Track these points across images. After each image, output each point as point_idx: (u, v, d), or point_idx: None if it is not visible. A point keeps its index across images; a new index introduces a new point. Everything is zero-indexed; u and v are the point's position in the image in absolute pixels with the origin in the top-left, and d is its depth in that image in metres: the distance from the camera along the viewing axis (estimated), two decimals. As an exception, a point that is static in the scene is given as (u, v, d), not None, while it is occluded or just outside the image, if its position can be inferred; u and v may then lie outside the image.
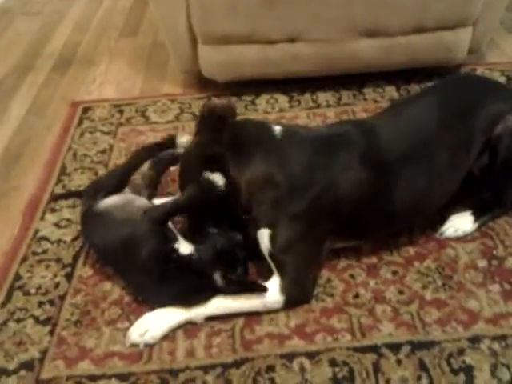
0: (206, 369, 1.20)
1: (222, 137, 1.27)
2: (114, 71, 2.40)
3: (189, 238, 1.34)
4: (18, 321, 1.34)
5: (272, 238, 1.27)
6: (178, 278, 1.28)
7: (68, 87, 2.31)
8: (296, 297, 1.31)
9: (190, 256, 1.28)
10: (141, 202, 1.49)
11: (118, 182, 1.51)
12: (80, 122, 2.05)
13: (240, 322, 1.30)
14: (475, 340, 1.23)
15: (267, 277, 1.32)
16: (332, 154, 1.30)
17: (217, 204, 1.29)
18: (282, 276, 1.29)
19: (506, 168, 1.39)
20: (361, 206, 1.31)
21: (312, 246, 1.32)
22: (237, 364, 1.21)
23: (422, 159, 1.34)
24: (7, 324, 1.33)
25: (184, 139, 1.68)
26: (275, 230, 1.27)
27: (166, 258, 1.27)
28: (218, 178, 1.28)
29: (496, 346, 1.21)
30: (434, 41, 1.97)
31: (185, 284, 1.27)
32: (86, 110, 2.11)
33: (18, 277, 1.45)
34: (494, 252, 1.43)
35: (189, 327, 1.29)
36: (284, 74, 2.04)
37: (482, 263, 1.40)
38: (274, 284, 1.29)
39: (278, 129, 1.32)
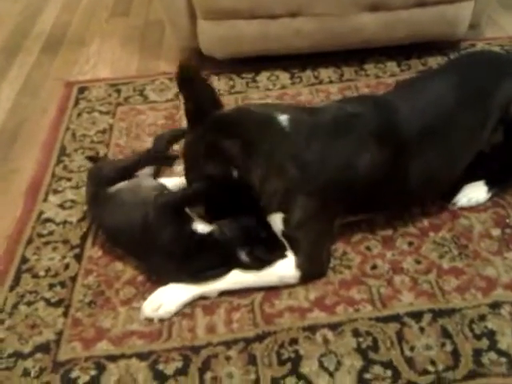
0: (228, 344, 1.18)
1: (227, 129, 1.26)
2: (107, 51, 2.33)
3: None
4: (29, 304, 1.30)
5: (285, 221, 1.25)
6: (200, 258, 1.25)
7: (60, 68, 2.24)
8: (312, 272, 1.30)
9: (211, 234, 1.25)
10: (148, 182, 1.46)
11: (118, 177, 1.44)
12: (76, 103, 1.99)
13: (259, 296, 1.28)
14: (495, 306, 1.23)
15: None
16: (346, 136, 1.27)
17: (229, 194, 1.27)
18: (296, 253, 1.27)
19: None
20: (375, 185, 1.29)
21: (324, 223, 1.31)
22: (259, 338, 1.19)
23: (438, 137, 1.33)
24: (18, 307, 1.29)
25: None
26: (288, 213, 1.25)
27: (187, 239, 1.24)
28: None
29: (516, 311, 1.22)
30: (435, 15, 1.95)
31: (208, 262, 1.25)
32: (81, 90, 2.05)
33: (24, 259, 1.41)
34: (507, 221, 1.43)
35: (207, 303, 1.27)
36: (285, 49, 2.01)
37: (496, 232, 1.41)
38: (289, 261, 1.28)
39: (284, 119, 1.27)
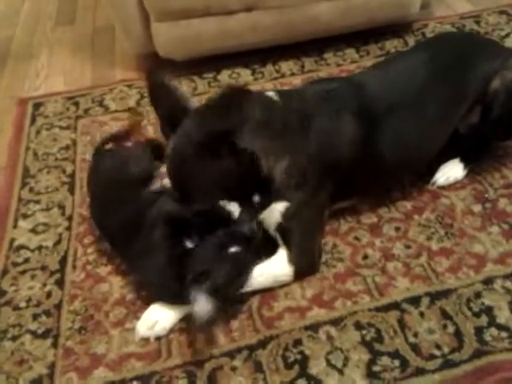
0: (231, 354, 1.15)
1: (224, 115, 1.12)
2: (58, 62, 2.23)
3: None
4: (14, 338, 1.23)
5: (286, 211, 1.22)
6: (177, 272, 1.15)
7: (10, 84, 2.13)
8: (305, 266, 1.28)
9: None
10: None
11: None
12: (33, 120, 1.89)
13: (255, 301, 1.25)
14: (488, 281, 1.25)
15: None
16: (327, 112, 1.26)
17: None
18: (289, 246, 1.25)
19: (499, 123, 1.40)
20: (356, 161, 1.28)
21: (316, 213, 1.29)
22: (262, 344, 1.17)
23: (410, 112, 1.33)
24: (1, 344, 1.22)
25: None
26: (290, 201, 1.22)
27: (173, 249, 1.17)
28: (234, 208, 1.17)
29: (508, 284, 1.24)
30: (388, -2, 1.97)
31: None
32: (36, 106, 1.95)
33: (1, 292, 1.33)
34: (486, 195, 1.46)
35: (203, 315, 1.23)
36: (244, 45, 1.98)
37: (477, 208, 1.43)
38: (281, 256, 1.26)
39: (273, 95, 1.26)
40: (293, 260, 1.25)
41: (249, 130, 1.12)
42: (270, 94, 1.27)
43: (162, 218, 1.18)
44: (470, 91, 1.37)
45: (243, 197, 1.20)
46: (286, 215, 1.23)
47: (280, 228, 1.25)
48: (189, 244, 1.17)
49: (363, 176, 1.33)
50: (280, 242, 1.27)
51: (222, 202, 1.17)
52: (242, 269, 1.17)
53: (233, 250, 1.14)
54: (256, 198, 1.23)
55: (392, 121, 1.31)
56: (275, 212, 1.23)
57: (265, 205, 1.23)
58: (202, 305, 1.06)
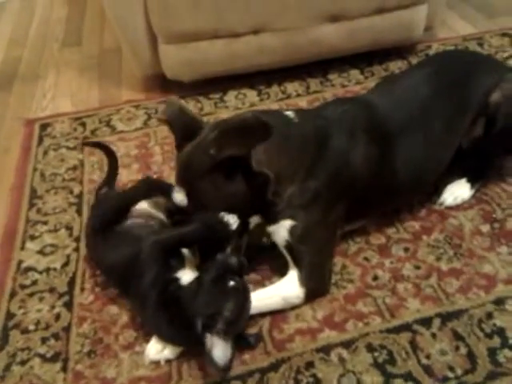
0: (243, 377, 1.14)
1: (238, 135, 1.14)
2: (65, 83, 2.25)
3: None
4: (23, 363, 1.21)
5: (293, 229, 1.23)
6: (172, 310, 1.13)
7: (17, 105, 2.14)
8: (316, 288, 1.28)
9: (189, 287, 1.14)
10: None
11: (116, 216, 1.34)
12: (40, 141, 1.90)
13: (266, 323, 1.24)
14: (499, 302, 1.25)
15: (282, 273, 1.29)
16: (343, 132, 1.27)
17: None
18: (300, 268, 1.25)
19: (503, 135, 1.41)
20: (371, 181, 1.29)
21: (328, 233, 1.29)
22: (274, 367, 1.16)
23: (419, 129, 1.35)
24: (10, 368, 1.20)
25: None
26: (297, 220, 1.22)
27: (164, 285, 1.15)
28: (233, 221, 1.18)
29: (520, 305, 1.24)
30: (393, 21, 1.99)
31: (177, 318, 1.12)
32: (43, 126, 1.97)
33: (10, 315, 1.32)
34: (494, 215, 1.46)
35: (214, 337, 1.22)
36: (251, 67, 2.00)
37: (486, 228, 1.43)
38: (292, 278, 1.25)
39: (291, 114, 1.28)
40: (303, 282, 1.24)
41: (267, 153, 1.15)
42: (289, 113, 1.28)
43: (149, 249, 1.17)
44: (472, 105, 1.40)
45: (242, 216, 1.21)
46: (293, 234, 1.23)
47: (289, 247, 1.25)
48: (183, 277, 1.17)
49: (376, 196, 1.34)
50: (290, 262, 1.27)
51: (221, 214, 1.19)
52: (245, 299, 1.16)
53: (232, 283, 1.12)
54: (254, 219, 1.26)
55: (404, 138, 1.33)
56: (282, 229, 1.24)
57: (269, 222, 1.25)
58: (221, 350, 1.06)
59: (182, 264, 1.21)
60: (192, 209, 1.21)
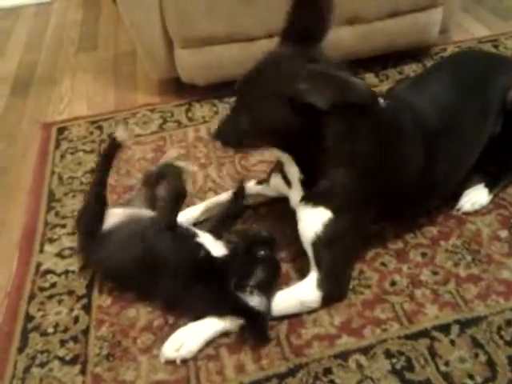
0: (260, 383, 1.14)
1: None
2: (81, 87, 2.27)
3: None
4: (42, 365, 1.22)
5: (328, 224, 1.20)
6: (206, 275, 1.22)
7: (34, 109, 2.16)
8: (334, 293, 1.27)
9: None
10: (147, 213, 1.40)
11: (98, 204, 1.38)
12: (57, 144, 1.92)
13: (283, 328, 1.24)
14: (518, 309, 1.24)
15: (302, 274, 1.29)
16: (396, 134, 1.25)
17: None
18: (320, 270, 1.24)
19: None
20: (412, 183, 1.28)
21: (356, 239, 1.29)
22: (292, 372, 1.16)
23: (452, 130, 1.34)
24: (30, 370, 1.22)
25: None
26: (336, 215, 1.20)
27: (191, 254, 1.23)
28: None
29: (540, 312, 1.23)
30: (408, 23, 1.99)
31: (211, 282, 1.21)
32: (60, 130, 1.98)
33: (29, 317, 1.33)
34: (512, 221, 1.45)
35: (231, 342, 1.23)
36: (266, 70, 2.00)
37: (504, 233, 1.42)
38: (310, 281, 1.25)
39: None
40: (322, 286, 1.24)
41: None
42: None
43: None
44: (493, 104, 1.40)
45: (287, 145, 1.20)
46: (327, 230, 1.20)
47: (316, 245, 1.23)
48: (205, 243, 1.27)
49: (411, 197, 1.33)
50: (312, 262, 1.26)
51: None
52: (275, 267, 1.26)
53: (262, 253, 1.22)
54: (294, 194, 1.26)
55: (440, 139, 1.32)
56: (317, 218, 1.22)
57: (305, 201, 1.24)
58: (256, 301, 1.16)
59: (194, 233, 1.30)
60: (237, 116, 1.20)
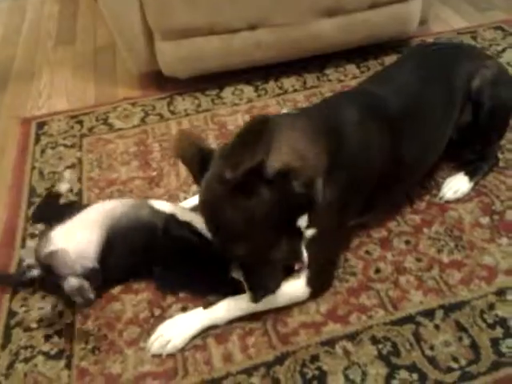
0: (248, 371, 1.15)
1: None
2: (60, 82, 2.23)
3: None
4: (26, 360, 1.21)
5: (316, 235, 1.20)
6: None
7: (12, 104, 2.12)
8: (321, 286, 1.28)
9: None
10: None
11: None
12: (37, 139, 1.88)
13: (270, 317, 1.25)
14: (501, 293, 1.26)
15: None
16: (356, 122, 1.25)
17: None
18: (310, 268, 1.23)
19: (491, 117, 1.44)
20: (384, 171, 1.28)
21: (341, 234, 1.30)
22: (279, 360, 1.16)
23: (421, 119, 1.36)
24: (14, 366, 1.20)
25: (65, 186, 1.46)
26: (320, 227, 1.20)
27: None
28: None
29: (521, 295, 1.25)
30: (389, 14, 2.00)
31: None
32: (40, 125, 1.95)
33: (12, 313, 1.31)
34: (493, 207, 1.47)
35: (218, 332, 1.22)
36: (248, 62, 2.00)
37: (485, 220, 1.44)
38: (300, 278, 1.24)
39: (292, 111, 1.29)
40: (311, 282, 1.24)
41: (277, 153, 1.06)
42: (287, 111, 1.29)
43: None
44: (458, 90, 1.42)
45: (287, 227, 1.13)
46: (314, 239, 1.20)
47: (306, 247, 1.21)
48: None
49: (385, 187, 1.33)
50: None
51: None
52: None
53: None
54: (301, 223, 1.15)
55: (406, 126, 1.33)
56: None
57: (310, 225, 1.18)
58: None
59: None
60: (223, 244, 1.13)
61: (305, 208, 1.13)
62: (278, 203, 1.06)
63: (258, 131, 1.00)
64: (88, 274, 1.21)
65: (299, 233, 1.16)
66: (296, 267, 1.21)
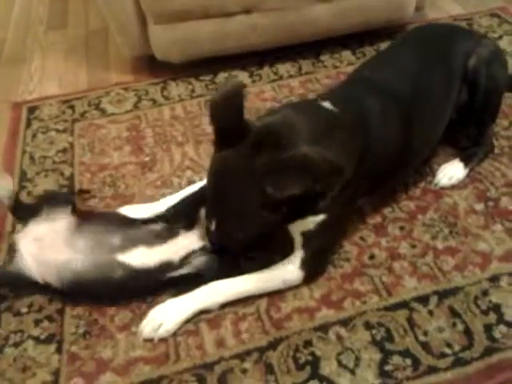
0: (241, 356, 1.14)
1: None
2: (51, 66, 2.20)
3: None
4: (16, 345, 1.19)
5: (323, 221, 1.18)
6: None
7: (3, 89, 2.08)
8: (315, 270, 1.27)
9: None
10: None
11: None
12: (28, 124, 1.86)
13: (263, 302, 1.24)
14: (494, 279, 1.26)
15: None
16: (375, 114, 1.25)
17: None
18: (306, 251, 1.23)
19: (486, 98, 1.44)
20: (394, 159, 1.28)
21: (345, 218, 1.30)
22: (272, 345, 1.15)
23: (422, 99, 1.35)
24: (3, 351, 1.19)
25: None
26: (329, 212, 1.18)
27: None
28: None
29: (515, 281, 1.25)
30: (384, 0, 1.98)
31: None
32: (31, 109, 1.92)
33: (1, 297, 1.29)
34: (488, 194, 1.47)
35: (211, 317, 1.21)
36: (242, 47, 1.97)
37: (480, 206, 1.44)
38: (293, 261, 1.24)
39: (328, 105, 1.22)
40: (305, 265, 1.23)
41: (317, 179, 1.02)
42: (326, 104, 1.22)
43: None
44: (456, 70, 1.42)
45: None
46: (323, 225, 1.19)
47: (305, 236, 1.21)
48: None
49: (392, 171, 1.33)
50: (298, 244, 1.24)
51: None
52: None
53: None
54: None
55: (413, 109, 1.32)
56: (311, 223, 1.19)
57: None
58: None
59: None
60: (219, 239, 1.16)
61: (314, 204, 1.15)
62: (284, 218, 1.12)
63: (321, 170, 1.00)
64: None
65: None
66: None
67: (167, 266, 1.23)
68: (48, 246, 1.23)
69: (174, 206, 1.38)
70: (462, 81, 1.44)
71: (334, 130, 1.14)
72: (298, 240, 1.23)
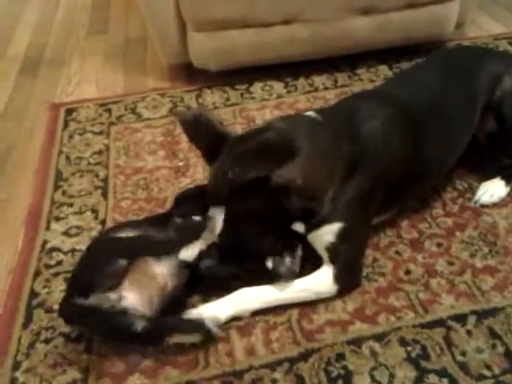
0: (271, 366, 1.11)
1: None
2: (90, 70, 2.24)
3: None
4: (47, 341, 1.19)
5: (341, 231, 1.18)
6: None
7: (42, 90, 2.13)
8: (349, 284, 1.25)
9: None
10: None
11: None
12: (66, 125, 1.89)
13: (295, 312, 1.21)
14: (536, 301, 1.21)
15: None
16: (377, 121, 1.27)
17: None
18: (336, 264, 1.21)
19: None
20: (404, 170, 1.28)
21: (366, 228, 1.28)
22: (303, 357, 1.13)
23: (439, 117, 1.35)
24: (34, 346, 1.19)
25: None
26: (346, 220, 1.19)
27: None
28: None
29: (558, 305, 1.20)
30: (425, 15, 1.97)
31: None
32: (69, 111, 1.95)
33: (34, 294, 1.30)
34: (521, 212, 1.43)
35: (241, 324, 1.20)
36: (279, 58, 1.97)
37: (521, 226, 1.40)
38: (326, 273, 1.22)
39: (313, 114, 1.27)
40: (339, 279, 1.21)
41: (287, 170, 1.10)
42: (310, 113, 1.27)
43: None
44: (481, 95, 1.40)
45: (280, 228, 1.21)
46: (342, 235, 1.19)
47: (331, 247, 1.21)
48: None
49: (408, 183, 1.32)
50: (325, 259, 1.23)
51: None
52: None
53: None
54: (298, 227, 1.22)
55: (428, 126, 1.32)
56: (328, 233, 1.19)
57: (312, 228, 1.21)
58: None
59: None
60: (226, 233, 1.20)
61: (302, 217, 1.19)
62: (271, 209, 1.14)
63: (277, 146, 1.10)
64: None
65: (292, 236, 1.22)
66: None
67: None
68: None
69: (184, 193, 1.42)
70: (487, 107, 1.42)
71: (306, 127, 1.21)
72: (325, 256, 1.23)
